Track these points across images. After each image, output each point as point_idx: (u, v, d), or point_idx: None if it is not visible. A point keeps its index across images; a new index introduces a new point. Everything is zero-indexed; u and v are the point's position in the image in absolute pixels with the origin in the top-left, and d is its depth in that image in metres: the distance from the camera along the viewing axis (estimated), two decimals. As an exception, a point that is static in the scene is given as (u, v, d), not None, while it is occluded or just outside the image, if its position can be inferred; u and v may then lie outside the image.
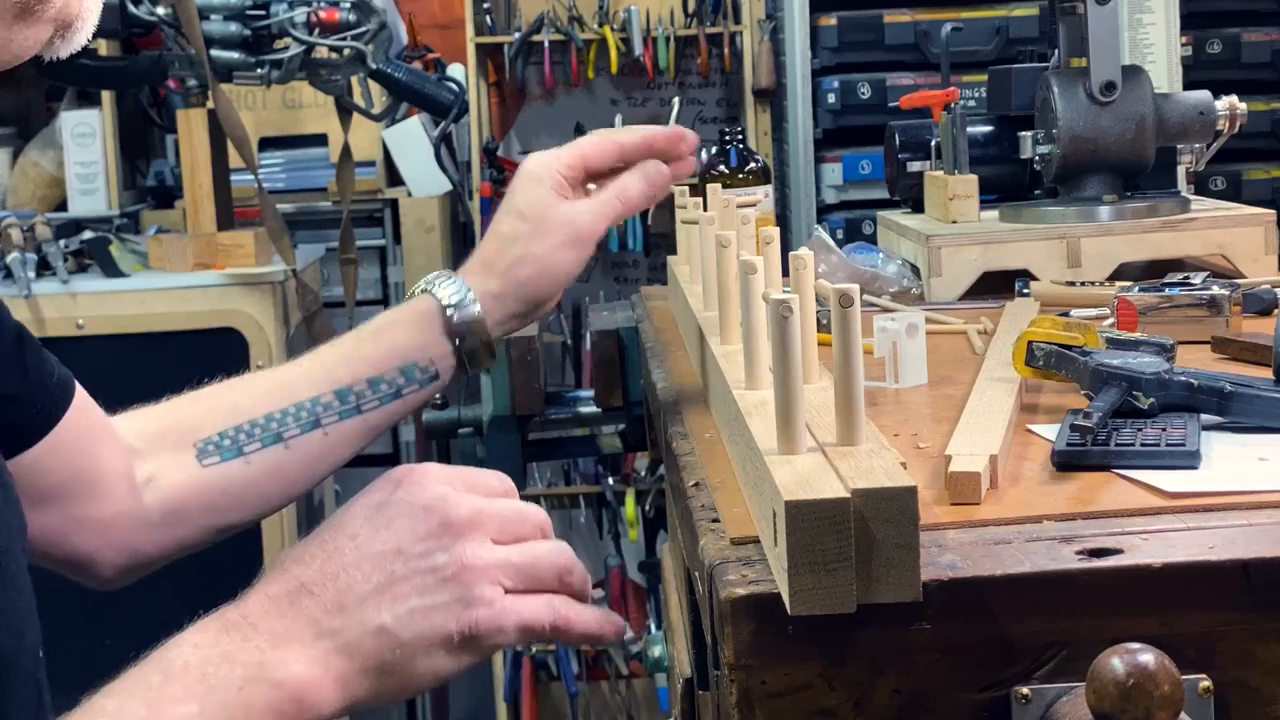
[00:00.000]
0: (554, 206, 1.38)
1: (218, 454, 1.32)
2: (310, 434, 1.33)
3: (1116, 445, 1.14)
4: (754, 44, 3.79)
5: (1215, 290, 1.58)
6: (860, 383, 0.98)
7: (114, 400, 1.42)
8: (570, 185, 1.39)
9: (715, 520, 1.07)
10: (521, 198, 1.38)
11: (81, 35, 1.02)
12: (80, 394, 1.29)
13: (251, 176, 3.34)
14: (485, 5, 3.82)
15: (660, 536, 3.77)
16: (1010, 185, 2.25)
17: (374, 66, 3.35)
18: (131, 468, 1.32)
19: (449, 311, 1.34)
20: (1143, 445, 1.14)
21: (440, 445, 2.06)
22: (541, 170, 1.38)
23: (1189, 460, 1.12)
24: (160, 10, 3.27)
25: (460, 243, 3.91)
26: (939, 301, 1.95)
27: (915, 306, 1.88)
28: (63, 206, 3.67)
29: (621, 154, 1.40)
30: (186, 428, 1.33)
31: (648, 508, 3.86)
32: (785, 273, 1.21)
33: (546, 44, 3.82)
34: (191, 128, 3.31)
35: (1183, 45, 2.43)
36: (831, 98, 3.48)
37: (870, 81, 3.47)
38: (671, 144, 1.41)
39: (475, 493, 1.08)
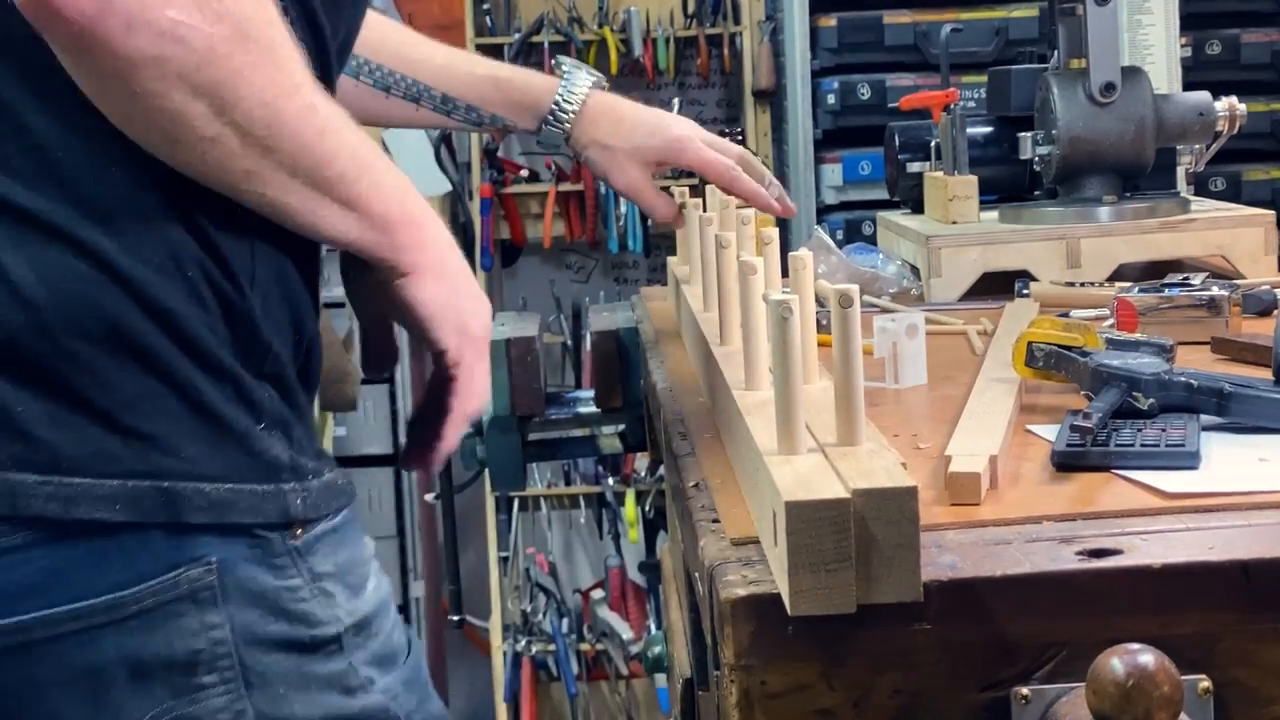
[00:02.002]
0: (648, 180, 1.66)
1: (370, 79, 1.59)
2: (409, 104, 1.63)
3: (1116, 446, 1.14)
4: (754, 45, 3.79)
5: (1215, 291, 1.58)
6: (860, 383, 0.98)
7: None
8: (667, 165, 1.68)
9: (715, 520, 1.07)
10: (664, 142, 1.65)
11: None
12: None
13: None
14: (485, 6, 3.82)
15: (660, 536, 3.77)
16: (1010, 186, 2.25)
17: (374, 67, 3.35)
18: None
19: (550, 118, 1.64)
20: (1142, 446, 1.14)
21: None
22: (669, 152, 1.65)
23: (1189, 461, 1.12)
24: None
25: (460, 243, 3.91)
26: (939, 302, 1.95)
27: (915, 307, 1.88)
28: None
29: (732, 186, 1.65)
30: (369, 47, 1.57)
31: (648, 508, 3.87)
32: (785, 273, 1.21)
33: (546, 45, 3.82)
34: (191, 128, 3.30)
35: (1182, 46, 2.43)
36: (831, 98, 3.48)
37: (870, 82, 3.47)
38: (762, 209, 1.64)
39: None
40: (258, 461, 1.03)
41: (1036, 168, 2.12)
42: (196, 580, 1.01)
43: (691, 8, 3.84)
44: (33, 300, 0.98)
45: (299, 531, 1.05)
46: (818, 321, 1.19)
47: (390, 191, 1.07)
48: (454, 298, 1.13)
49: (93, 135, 0.99)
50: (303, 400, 1.10)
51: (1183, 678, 0.87)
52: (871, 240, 2.72)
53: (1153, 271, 1.92)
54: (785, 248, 1.30)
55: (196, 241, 1.02)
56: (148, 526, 0.99)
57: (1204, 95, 2.10)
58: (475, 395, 1.16)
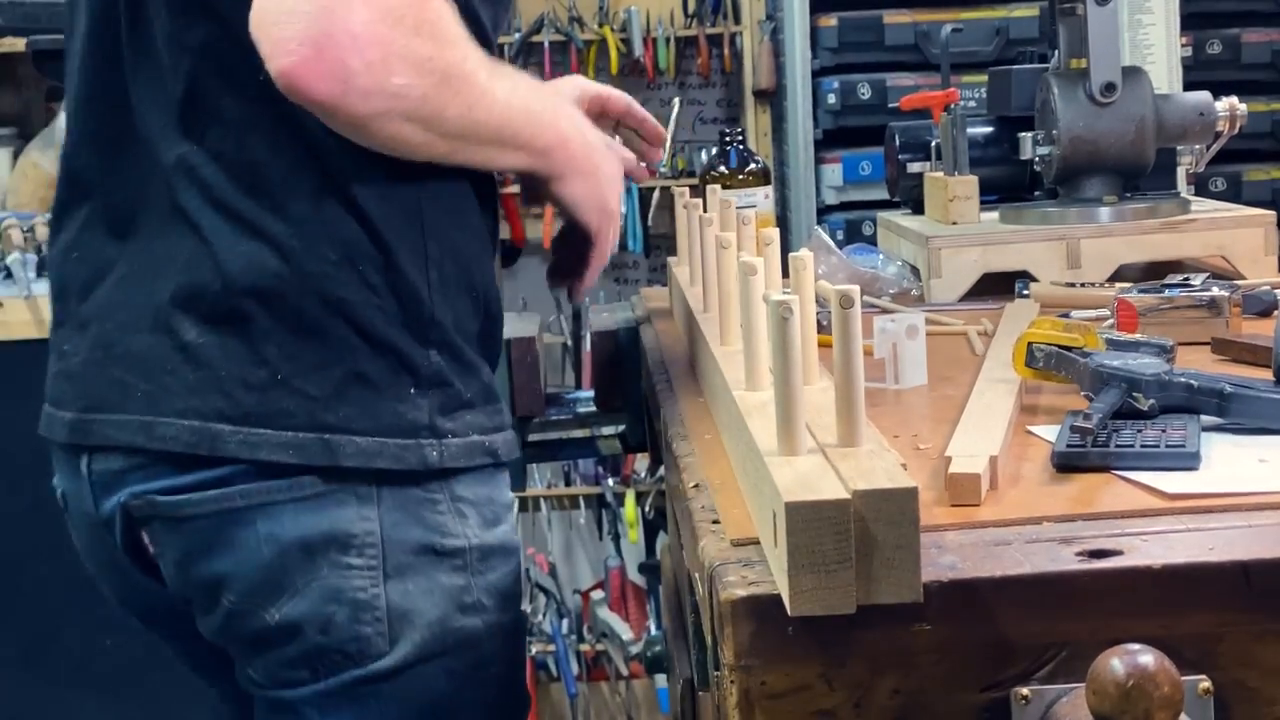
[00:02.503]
0: None
1: None
2: None
3: (1116, 446, 1.14)
4: (754, 44, 3.79)
5: (1215, 291, 1.58)
6: (860, 384, 0.98)
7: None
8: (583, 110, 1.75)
9: (715, 521, 1.08)
10: (569, 87, 1.71)
11: None
12: None
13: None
14: (485, 6, 3.82)
15: (660, 537, 3.77)
16: (1010, 186, 2.25)
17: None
18: None
19: None
20: (1142, 446, 1.14)
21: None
22: (579, 89, 1.72)
23: (1189, 461, 1.12)
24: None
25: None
26: (939, 303, 1.95)
27: (915, 308, 1.88)
28: (63, 207, 3.66)
29: (627, 113, 1.74)
30: None
31: (648, 508, 3.86)
32: (785, 274, 1.21)
33: (546, 44, 3.82)
34: (192, 128, 3.30)
35: (1183, 46, 2.43)
36: (831, 98, 3.48)
37: (870, 82, 3.47)
38: (653, 138, 1.74)
39: None
40: (401, 421, 1.27)
41: (1037, 168, 2.12)
42: (359, 480, 1.26)
43: (692, 7, 3.85)
44: (242, 289, 1.24)
45: (462, 466, 1.30)
46: (818, 322, 1.19)
47: (547, 126, 1.35)
48: (595, 188, 1.42)
49: (292, 154, 1.25)
50: (472, 356, 1.33)
51: (1183, 678, 0.87)
52: (872, 240, 2.72)
53: (1153, 272, 1.92)
54: (785, 248, 1.30)
55: (370, 239, 1.26)
56: (313, 469, 1.25)
57: (1204, 95, 2.10)
58: (609, 249, 1.47)
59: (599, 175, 1.43)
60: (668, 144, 1.81)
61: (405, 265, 1.27)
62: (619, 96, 1.78)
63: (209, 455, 1.25)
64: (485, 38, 1.34)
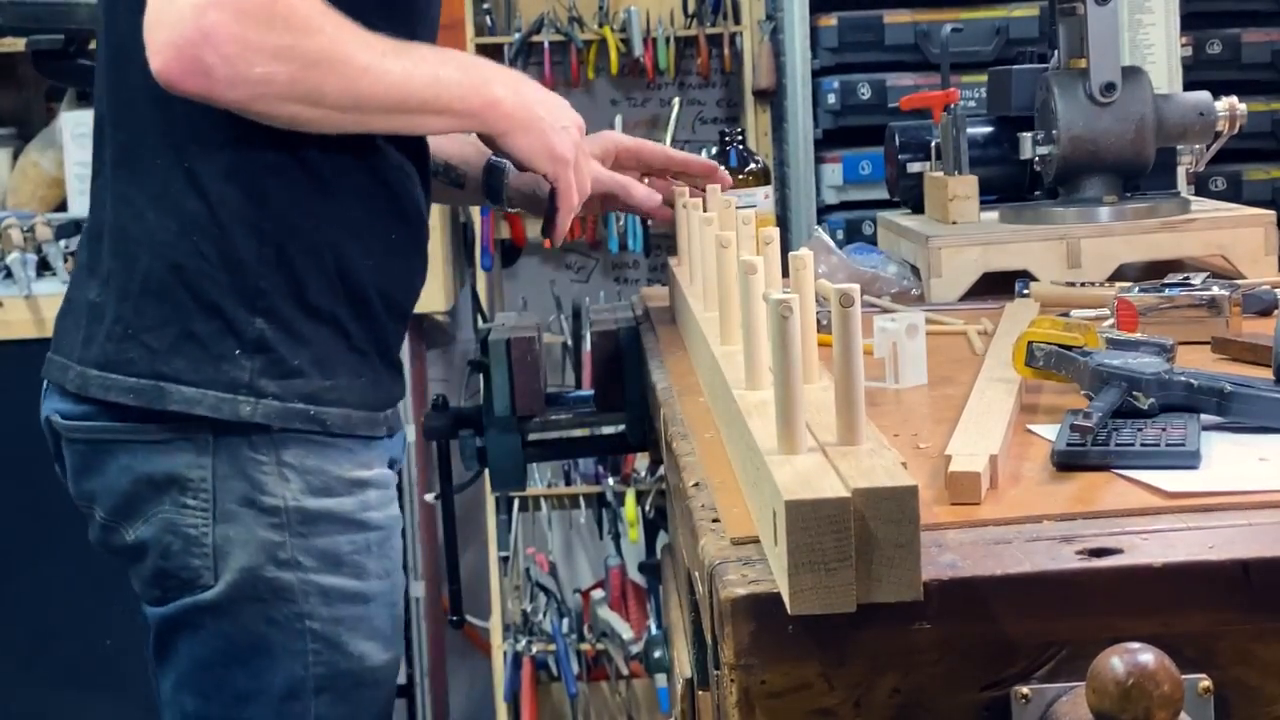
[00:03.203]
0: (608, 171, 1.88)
1: None
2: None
3: (1116, 445, 1.14)
4: (754, 44, 3.79)
5: (1215, 291, 1.58)
6: (860, 382, 0.98)
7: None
8: (615, 161, 1.89)
9: (715, 520, 1.08)
10: (601, 137, 1.88)
11: None
12: None
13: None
14: (485, 5, 3.82)
15: (660, 536, 3.77)
16: (1010, 186, 2.25)
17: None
18: None
19: (492, 159, 1.78)
20: (1143, 445, 1.14)
21: (440, 445, 2.06)
22: (612, 142, 1.90)
23: (1189, 460, 1.12)
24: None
25: (460, 243, 3.91)
26: (939, 302, 1.95)
27: (915, 307, 1.88)
28: (63, 206, 3.66)
29: (668, 162, 1.91)
30: None
31: (648, 508, 3.86)
32: (785, 273, 1.21)
33: (546, 44, 3.82)
34: (192, 128, 3.29)
35: (1183, 46, 2.43)
36: (831, 98, 3.48)
37: (870, 82, 3.47)
38: (705, 172, 1.89)
39: None
40: (223, 377, 1.46)
41: (1037, 168, 2.12)
42: (196, 432, 1.46)
43: (692, 7, 3.84)
44: (114, 254, 1.49)
45: (278, 427, 1.47)
46: (818, 321, 1.19)
47: (469, 91, 1.50)
48: (541, 139, 1.56)
49: (155, 139, 1.46)
50: (305, 329, 1.48)
51: (1183, 677, 0.87)
52: (872, 240, 2.72)
53: (1153, 271, 1.92)
54: (785, 248, 1.30)
55: (208, 213, 1.45)
56: (150, 411, 1.46)
57: (1204, 95, 2.10)
58: (574, 194, 1.61)
59: (542, 126, 1.56)
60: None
61: (237, 239, 1.46)
62: (654, 147, 1.93)
63: (84, 395, 1.48)
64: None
